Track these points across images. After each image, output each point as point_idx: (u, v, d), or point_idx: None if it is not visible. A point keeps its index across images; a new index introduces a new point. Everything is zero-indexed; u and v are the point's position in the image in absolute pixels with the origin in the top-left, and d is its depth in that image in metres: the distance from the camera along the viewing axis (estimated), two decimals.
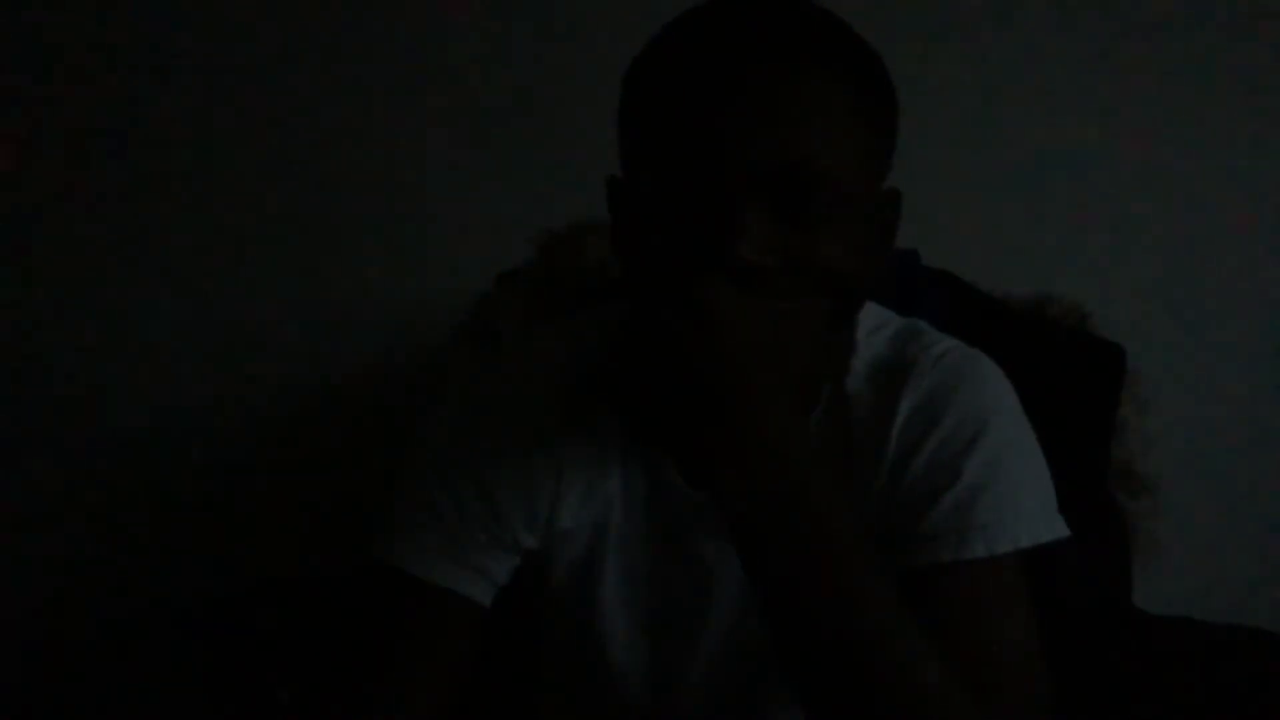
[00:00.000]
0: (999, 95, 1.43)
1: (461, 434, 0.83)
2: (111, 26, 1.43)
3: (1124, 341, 1.18)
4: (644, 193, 0.73)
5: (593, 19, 1.42)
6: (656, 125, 0.72)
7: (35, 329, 1.47)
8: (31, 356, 1.47)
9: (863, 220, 0.74)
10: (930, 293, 1.20)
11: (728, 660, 0.85)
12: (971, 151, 1.43)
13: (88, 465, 1.48)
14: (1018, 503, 0.77)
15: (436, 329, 1.29)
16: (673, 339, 0.65)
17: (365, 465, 1.39)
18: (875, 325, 0.85)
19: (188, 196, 1.45)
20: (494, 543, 0.81)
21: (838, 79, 0.71)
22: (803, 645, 0.68)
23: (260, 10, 1.43)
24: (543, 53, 1.43)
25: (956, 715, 0.67)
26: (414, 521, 0.81)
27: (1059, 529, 0.79)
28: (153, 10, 1.43)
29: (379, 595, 0.81)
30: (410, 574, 0.79)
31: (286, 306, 1.46)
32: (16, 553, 1.48)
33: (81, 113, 1.44)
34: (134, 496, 1.48)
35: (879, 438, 0.80)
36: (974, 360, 0.83)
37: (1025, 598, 0.76)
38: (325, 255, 1.46)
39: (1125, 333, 1.20)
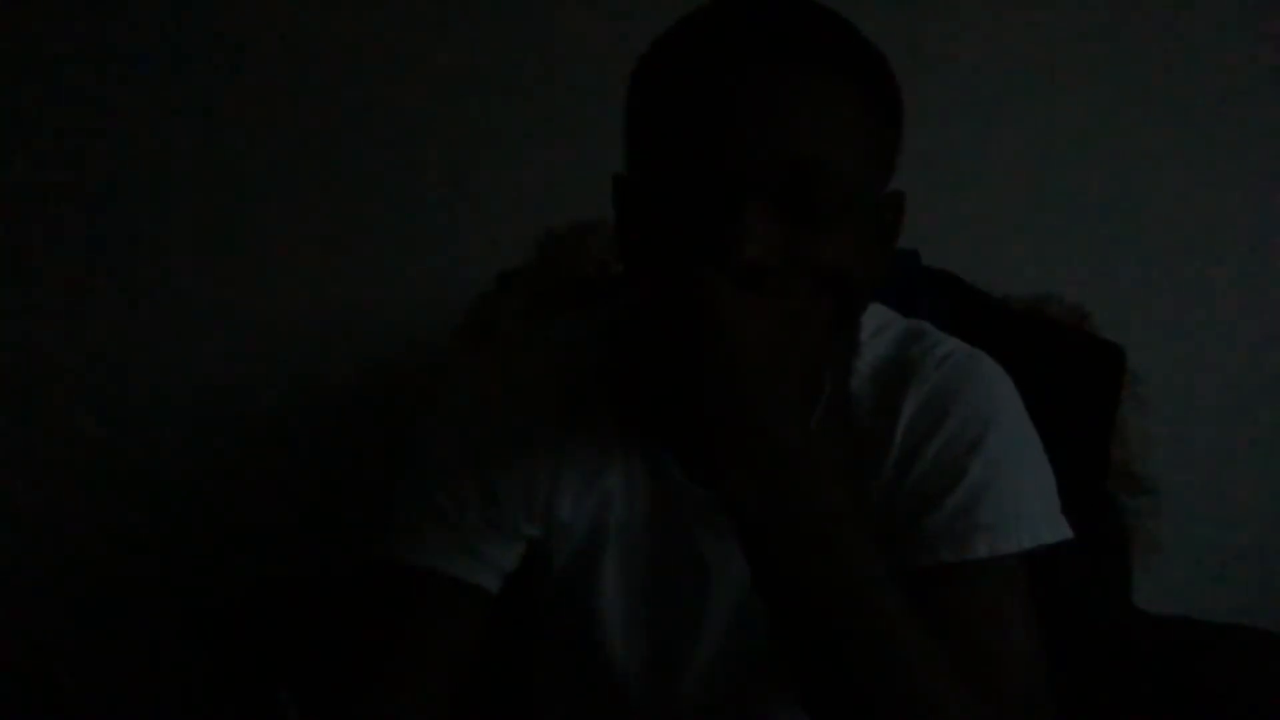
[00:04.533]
0: (999, 95, 1.43)
1: (459, 426, 0.83)
2: (116, 28, 1.43)
3: (1124, 341, 1.18)
4: (650, 191, 0.73)
5: (593, 19, 1.42)
6: (663, 124, 0.72)
7: (34, 329, 1.46)
8: (31, 356, 1.47)
9: (867, 221, 0.74)
10: (930, 293, 1.20)
11: (727, 657, 0.85)
12: (971, 151, 1.43)
13: (87, 466, 1.47)
14: (1021, 503, 0.77)
15: (436, 329, 1.29)
16: (679, 337, 0.65)
17: (365, 465, 1.39)
18: (879, 326, 0.85)
19: (187, 197, 1.45)
20: (494, 530, 0.81)
21: (844, 79, 0.71)
22: (806, 642, 0.68)
23: (262, 11, 1.43)
24: (543, 53, 1.43)
25: (960, 714, 0.67)
26: (413, 514, 0.81)
27: (1062, 530, 0.79)
28: (158, 11, 1.43)
29: (382, 591, 0.81)
30: (412, 565, 0.80)
31: (286, 306, 1.46)
32: (17, 553, 1.48)
33: (83, 112, 1.44)
34: (134, 497, 1.48)
35: (882, 438, 0.80)
36: (977, 361, 0.83)
37: (1026, 598, 0.76)
38: (325, 255, 1.46)
39: (1125, 333, 1.21)
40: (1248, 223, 1.44)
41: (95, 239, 1.46)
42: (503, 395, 0.83)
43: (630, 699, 0.87)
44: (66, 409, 1.47)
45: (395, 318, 1.45)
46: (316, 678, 0.98)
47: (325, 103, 1.44)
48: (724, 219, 0.68)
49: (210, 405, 1.47)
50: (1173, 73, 1.42)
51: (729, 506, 0.67)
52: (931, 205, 1.25)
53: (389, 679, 0.78)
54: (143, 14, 1.43)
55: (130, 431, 1.47)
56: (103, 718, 1.45)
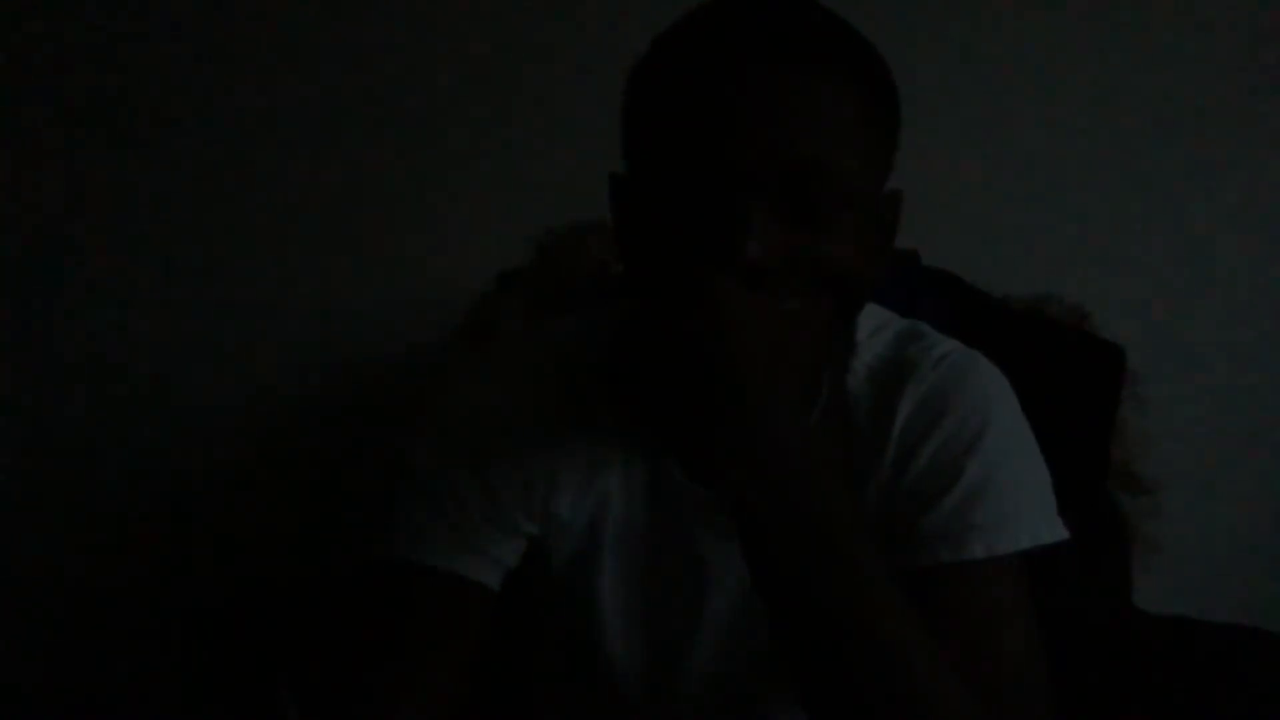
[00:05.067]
0: (999, 95, 1.43)
1: (457, 424, 0.84)
2: (117, 28, 1.43)
3: (1124, 342, 1.18)
4: (651, 190, 0.73)
5: (593, 19, 1.42)
6: (665, 123, 0.72)
7: (35, 329, 1.47)
8: (32, 356, 1.47)
9: (867, 221, 0.74)
10: (930, 293, 1.20)
11: (724, 658, 0.85)
12: (971, 151, 1.43)
13: (88, 467, 1.48)
14: (1017, 504, 0.77)
15: (436, 329, 1.29)
16: (683, 337, 0.65)
17: (365, 465, 1.39)
18: (876, 326, 0.85)
19: (189, 198, 1.45)
20: (493, 526, 0.81)
21: (846, 80, 0.71)
22: (806, 642, 0.68)
23: (263, 11, 1.43)
24: (543, 53, 1.43)
25: (959, 714, 0.67)
26: (413, 512, 0.82)
27: (1058, 531, 0.79)
28: (160, 11, 1.43)
29: (382, 589, 0.81)
30: (412, 562, 0.80)
31: (286, 307, 1.46)
32: (18, 554, 1.48)
33: (86, 114, 1.44)
34: (135, 497, 1.48)
35: (879, 438, 0.81)
36: (974, 362, 0.83)
37: (1025, 598, 0.76)
38: (325, 255, 1.46)
39: (1125, 333, 1.20)
40: (1248, 223, 1.44)
41: (95, 239, 1.46)
42: (501, 393, 0.84)
43: (629, 698, 0.87)
44: (67, 409, 1.47)
45: (395, 318, 1.45)
46: (317, 677, 0.98)
47: (324, 103, 1.44)
48: (726, 219, 0.68)
49: (210, 405, 1.47)
50: (1173, 72, 1.42)
51: (730, 505, 0.67)
52: (931, 205, 1.25)
53: (390, 676, 0.78)
54: (143, 13, 1.43)
55: (130, 432, 1.47)
56: (103, 718, 1.45)
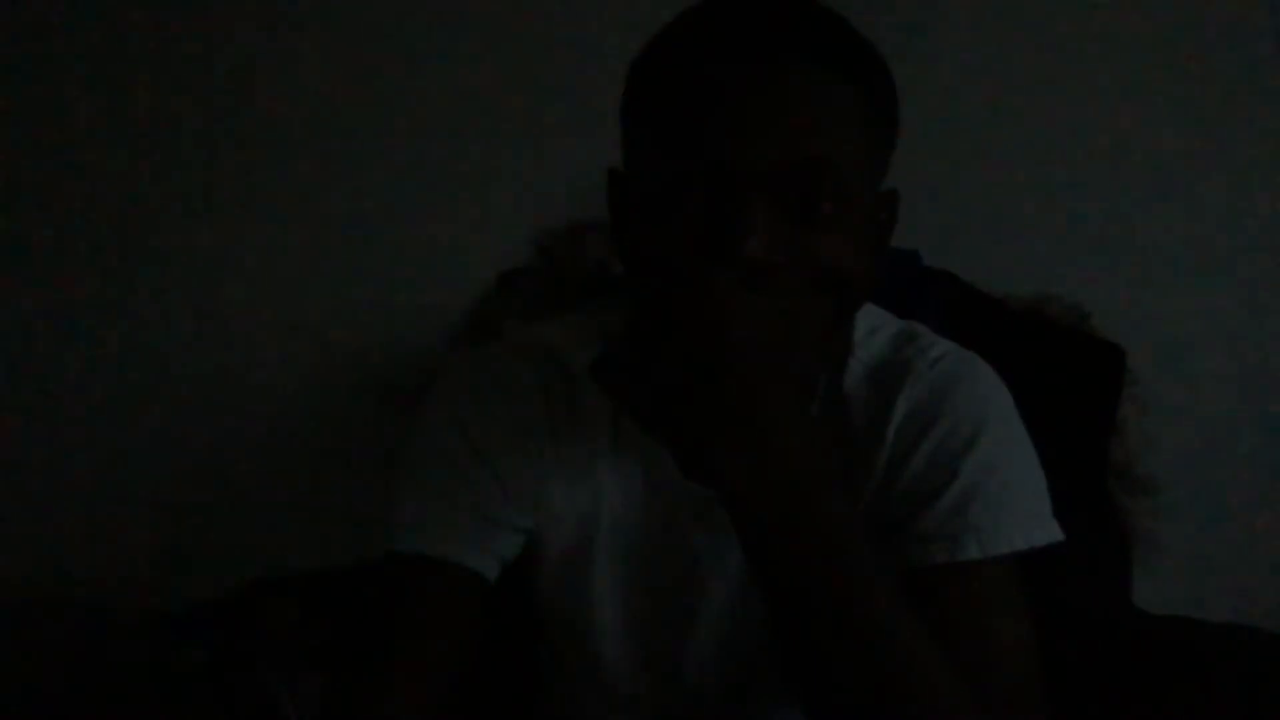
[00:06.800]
0: (999, 95, 1.43)
1: (449, 417, 0.84)
2: (117, 29, 1.43)
3: (1124, 342, 1.18)
4: (650, 186, 0.73)
5: (593, 20, 1.42)
6: (665, 120, 0.72)
7: (36, 328, 1.47)
8: (32, 354, 1.47)
9: (865, 220, 0.74)
10: (930, 293, 1.20)
11: (721, 655, 0.85)
12: (971, 151, 1.42)
13: (87, 465, 1.48)
14: (1012, 505, 0.77)
15: (436, 329, 1.29)
16: (682, 334, 0.66)
17: (365, 464, 1.39)
18: (873, 327, 0.85)
19: (190, 197, 1.45)
20: (487, 519, 0.82)
21: (846, 79, 0.71)
22: (802, 636, 0.68)
23: (262, 13, 1.43)
24: (543, 52, 1.43)
25: (955, 712, 0.67)
26: (407, 505, 0.82)
27: (1053, 532, 0.79)
28: (159, 12, 1.43)
29: (380, 581, 0.82)
30: (408, 552, 0.80)
31: (287, 307, 1.46)
32: (17, 552, 1.48)
33: (83, 113, 1.44)
34: (134, 494, 1.48)
35: (875, 438, 0.81)
36: (970, 364, 0.83)
37: (1020, 599, 0.77)
38: (326, 256, 1.46)
39: (1125, 333, 1.20)
40: (1248, 222, 1.44)
41: (98, 239, 1.46)
42: (493, 387, 0.84)
43: (625, 694, 0.88)
44: (66, 408, 1.47)
45: (395, 318, 1.45)
46: (315, 669, 0.99)
47: (325, 103, 1.44)
48: (726, 216, 0.68)
49: (211, 403, 1.47)
50: (1174, 72, 1.42)
51: (728, 502, 0.67)
52: (931, 205, 1.26)
53: (386, 664, 0.79)
54: (144, 12, 1.43)
55: (131, 430, 1.47)
56: (101, 717, 1.45)
